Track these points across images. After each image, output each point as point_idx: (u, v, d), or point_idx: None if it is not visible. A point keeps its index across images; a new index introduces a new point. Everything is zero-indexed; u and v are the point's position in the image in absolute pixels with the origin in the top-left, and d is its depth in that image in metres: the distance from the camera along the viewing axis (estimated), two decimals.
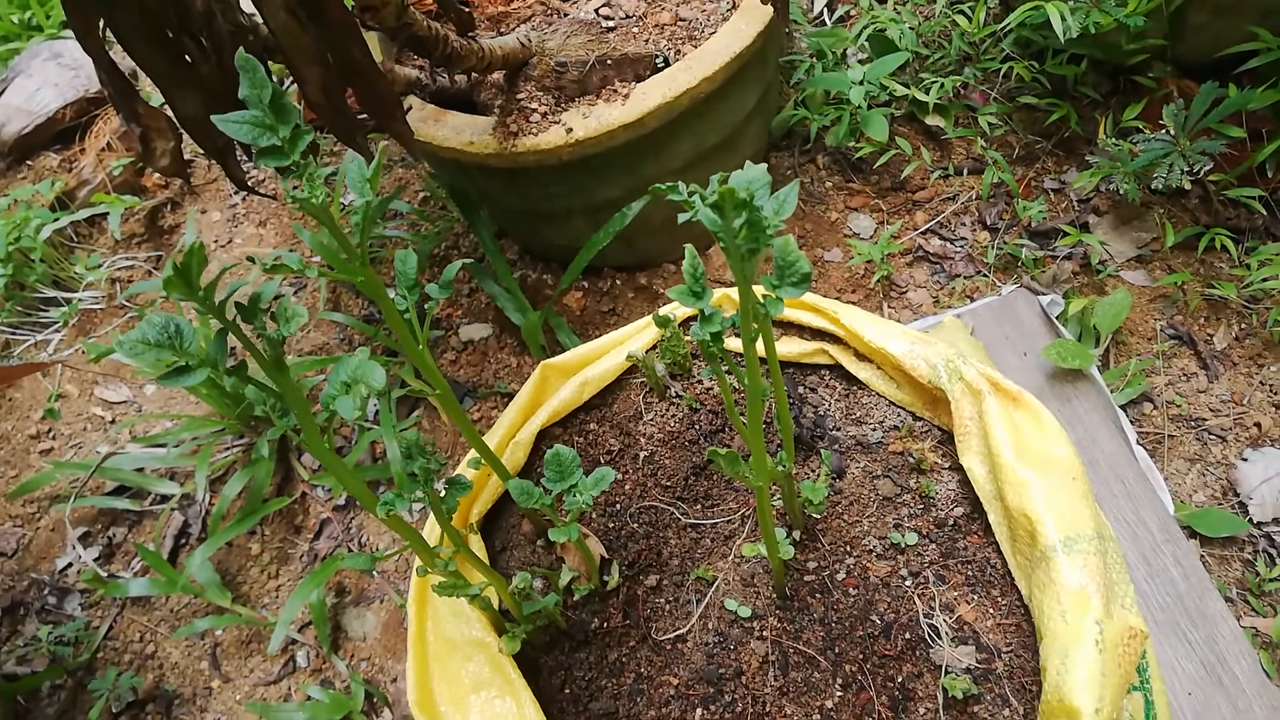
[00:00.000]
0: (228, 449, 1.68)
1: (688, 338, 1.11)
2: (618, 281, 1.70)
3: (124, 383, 1.86)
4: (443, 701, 0.92)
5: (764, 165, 0.58)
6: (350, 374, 0.61)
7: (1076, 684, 0.77)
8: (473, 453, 0.93)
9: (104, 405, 1.84)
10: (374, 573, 1.54)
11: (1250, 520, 1.32)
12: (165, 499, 1.69)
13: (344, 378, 0.61)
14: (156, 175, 2.11)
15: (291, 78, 1.01)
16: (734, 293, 1.11)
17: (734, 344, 1.11)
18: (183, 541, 1.66)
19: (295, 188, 0.60)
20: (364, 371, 0.59)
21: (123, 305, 1.97)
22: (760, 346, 0.70)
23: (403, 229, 1.88)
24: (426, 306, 0.76)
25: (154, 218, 2.11)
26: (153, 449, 1.70)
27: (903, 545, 0.98)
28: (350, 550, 1.57)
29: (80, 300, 1.97)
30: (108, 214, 2.05)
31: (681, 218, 0.61)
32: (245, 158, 1.80)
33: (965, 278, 1.60)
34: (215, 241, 2.03)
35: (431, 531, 0.96)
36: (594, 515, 1.07)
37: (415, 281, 0.77)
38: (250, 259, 0.61)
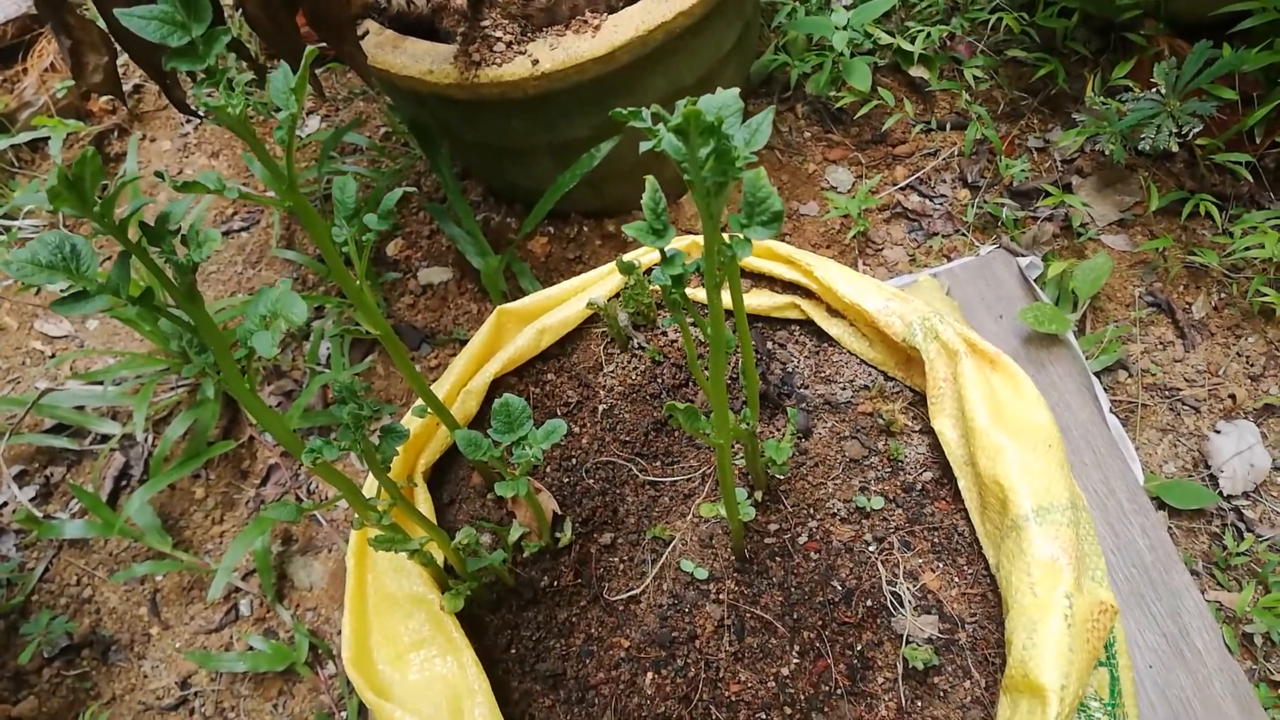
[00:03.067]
0: (172, 389, 1.61)
1: (653, 285, 1.05)
2: (585, 228, 1.63)
3: (65, 317, 1.78)
4: (380, 659, 0.87)
5: (735, 90, 0.53)
6: (269, 307, 0.55)
7: (1043, 659, 0.74)
8: (418, 403, 0.88)
9: (44, 339, 1.75)
10: (322, 520, 1.49)
11: (1220, 493, 1.29)
12: (106, 439, 1.62)
13: (262, 311, 0.55)
14: (103, 99, 2.00)
15: None
16: (701, 239, 1.06)
17: (700, 295, 1.05)
18: (123, 484, 1.60)
19: (209, 95, 0.53)
20: (284, 304, 0.53)
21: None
22: (727, 297, 0.65)
23: (362, 164, 1.80)
24: (365, 239, 0.69)
25: (100, 144, 2.00)
26: (93, 386, 1.63)
27: (868, 509, 0.95)
28: (299, 498, 1.51)
29: (20, 229, 1.87)
30: (49, 139, 1.94)
31: (643, 146, 0.54)
32: (191, 80, 1.70)
33: (944, 236, 1.56)
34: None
35: (374, 482, 0.91)
36: (548, 470, 1.02)
37: (354, 211, 0.71)
38: (159, 174, 0.55)
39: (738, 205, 0.55)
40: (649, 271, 1.06)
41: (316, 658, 1.37)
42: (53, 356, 1.73)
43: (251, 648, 1.38)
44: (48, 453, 1.62)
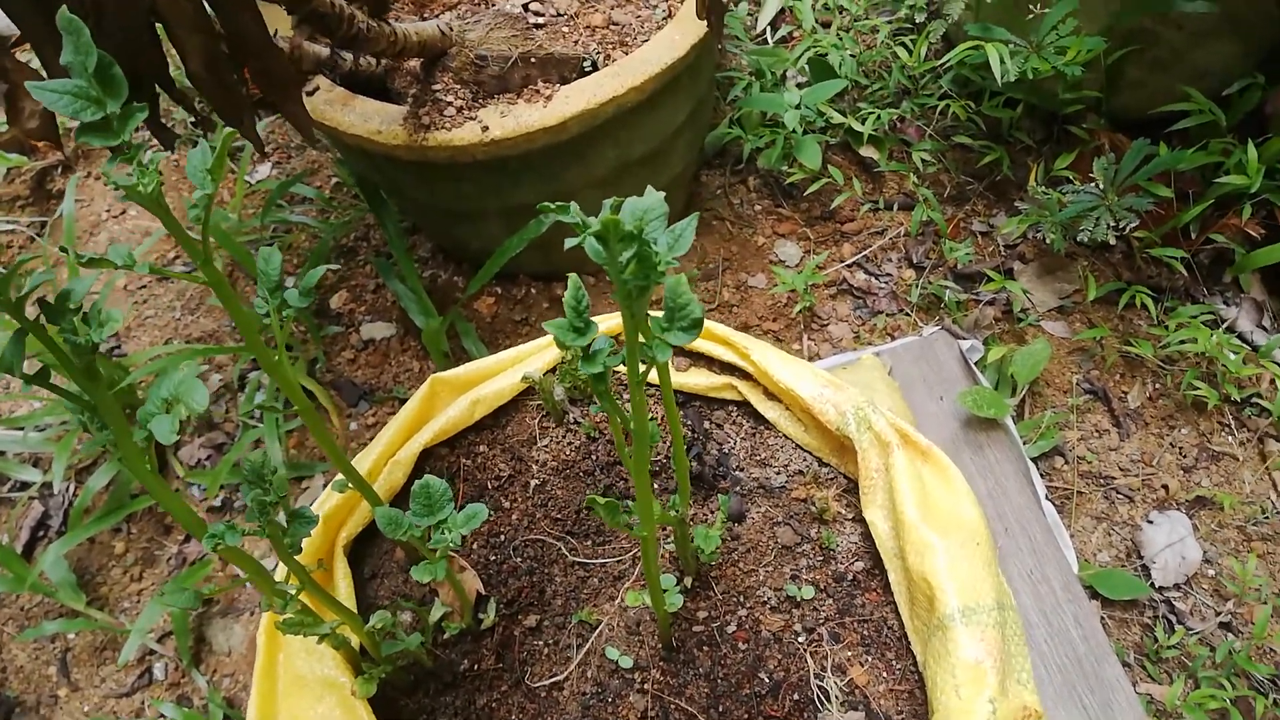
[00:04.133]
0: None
1: None
2: (533, 290, 1.62)
3: None
4: None
5: (661, 195, 0.52)
6: (171, 391, 0.52)
7: None
8: (338, 477, 0.85)
9: None
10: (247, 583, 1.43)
11: (1152, 584, 1.30)
12: (25, 486, 1.56)
13: (164, 395, 0.53)
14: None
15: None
16: None
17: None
18: (40, 534, 1.53)
19: (124, 173, 0.51)
20: (185, 390, 0.51)
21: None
22: (657, 378, 0.64)
23: (310, 214, 1.78)
24: (285, 314, 0.67)
25: (42, 180, 1.96)
26: (14, 431, 1.57)
27: (799, 599, 0.93)
28: (224, 559, 1.46)
29: None
30: None
31: (569, 242, 0.54)
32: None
33: (888, 315, 1.57)
34: (107, 211, 1.90)
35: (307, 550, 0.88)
36: (474, 546, 0.99)
37: (277, 284, 0.69)
38: (63, 249, 0.53)
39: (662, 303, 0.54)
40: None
41: None
42: None
43: (162, 716, 1.32)
44: None
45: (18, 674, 1.42)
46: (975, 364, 1.46)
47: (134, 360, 1.57)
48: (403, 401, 1.55)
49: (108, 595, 1.46)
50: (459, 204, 1.34)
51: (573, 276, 0.58)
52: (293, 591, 0.71)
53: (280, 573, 0.86)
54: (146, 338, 1.71)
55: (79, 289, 0.52)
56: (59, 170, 1.98)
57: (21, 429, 1.54)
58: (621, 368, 0.56)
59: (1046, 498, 1.35)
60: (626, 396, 0.73)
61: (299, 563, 0.69)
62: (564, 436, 1.04)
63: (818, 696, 0.88)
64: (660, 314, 0.56)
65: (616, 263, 0.49)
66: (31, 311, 0.54)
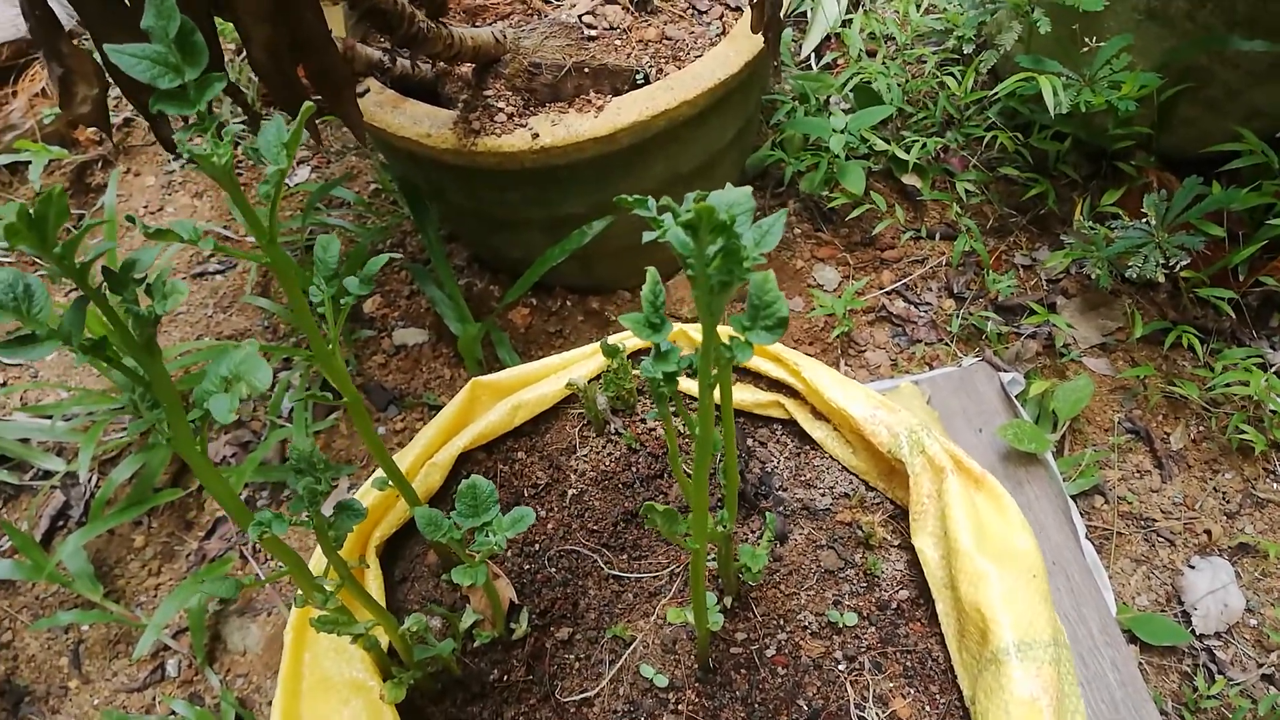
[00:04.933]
0: (123, 429, 1.55)
1: (636, 372, 1.02)
2: (568, 303, 1.61)
3: None
4: None
5: (749, 188, 0.50)
6: (232, 369, 0.51)
7: None
8: (377, 474, 0.84)
9: None
10: (266, 583, 1.41)
11: (1193, 631, 1.26)
12: (48, 475, 1.54)
13: (223, 372, 0.51)
14: (91, 130, 1.97)
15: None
16: (693, 330, 1.03)
17: (685, 385, 1.02)
18: (60, 524, 1.52)
19: (194, 142, 0.50)
20: (247, 367, 0.50)
21: (34, 262, 1.82)
22: (716, 392, 0.62)
23: (348, 219, 1.77)
24: (343, 302, 0.66)
25: (81, 174, 1.97)
26: (41, 420, 1.56)
27: (840, 625, 0.90)
28: (244, 556, 1.45)
29: None
30: (30, 163, 1.90)
31: (647, 236, 0.52)
32: (182, 120, 1.68)
33: (926, 344, 1.55)
34: (144, 208, 1.90)
35: (322, 555, 0.86)
36: (509, 554, 0.97)
37: (334, 272, 0.68)
38: (130, 219, 0.53)
39: (739, 306, 0.52)
40: (633, 356, 1.03)
41: None
42: (3, 385, 1.67)
43: (173, 713, 1.29)
44: None
45: (29, 663, 1.40)
46: (1016, 397, 1.43)
47: (165, 355, 1.56)
48: (434, 408, 1.54)
49: (124, 589, 1.44)
50: (503, 212, 1.33)
51: (651, 270, 0.56)
52: (331, 588, 0.68)
53: (317, 566, 0.84)
54: (178, 333, 1.71)
55: (145, 258, 0.51)
56: (99, 165, 1.99)
57: (49, 417, 1.53)
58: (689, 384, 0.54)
59: (1086, 537, 1.32)
60: (683, 406, 0.71)
61: (341, 558, 0.67)
62: (604, 447, 1.02)
63: None
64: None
65: (704, 255, 0.47)
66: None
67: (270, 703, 1.31)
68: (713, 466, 0.99)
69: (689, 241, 0.47)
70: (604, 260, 1.45)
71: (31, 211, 0.42)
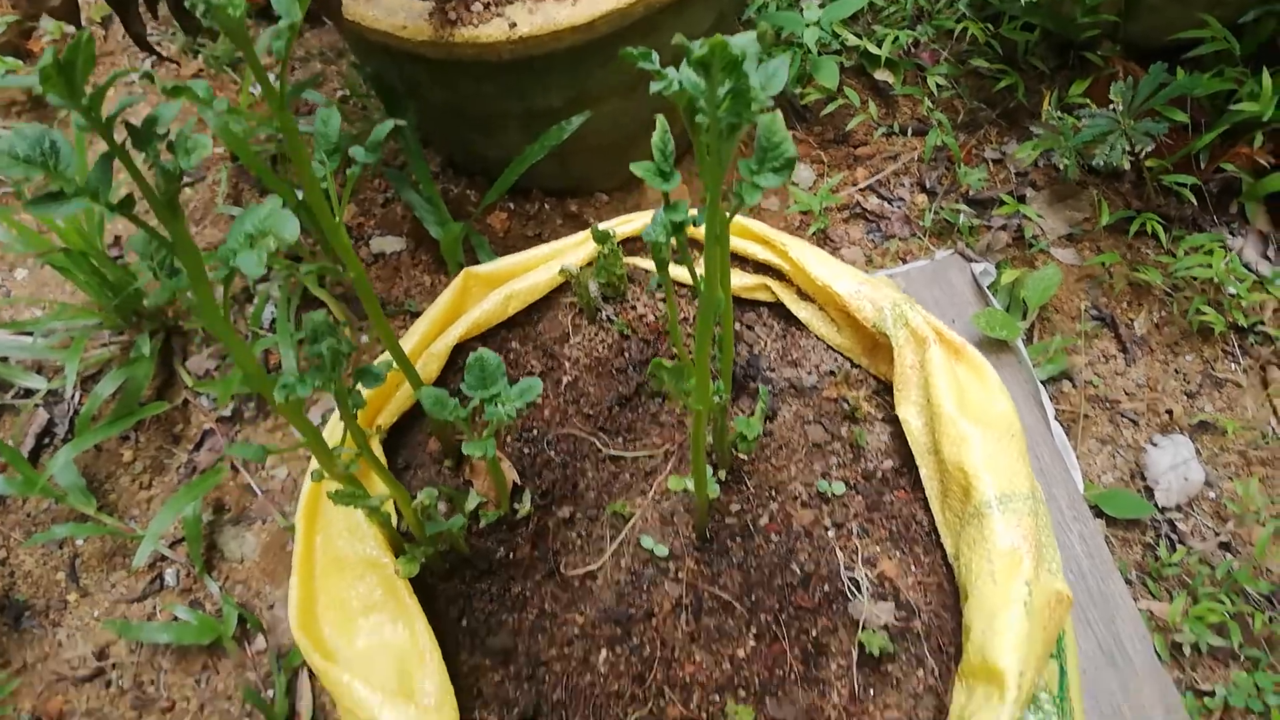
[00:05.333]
0: (104, 345, 1.54)
1: (626, 259, 1.04)
2: (546, 205, 1.61)
3: None
4: (327, 623, 0.84)
5: (754, 34, 0.51)
6: (257, 224, 0.52)
7: (1003, 646, 0.74)
8: (383, 357, 0.85)
9: None
10: (257, 490, 1.43)
11: (1155, 505, 1.33)
12: (30, 393, 1.54)
13: (249, 229, 0.52)
14: (45, 39, 1.90)
15: None
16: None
17: (674, 273, 1.04)
18: (46, 441, 1.52)
19: None
20: (274, 221, 0.51)
21: None
22: (689, 278, 0.64)
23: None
24: (350, 172, 0.67)
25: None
26: (19, 337, 1.54)
27: (829, 494, 0.94)
28: (235, 468, 1.46)
29: None
30: None
31: (654, 87, 0.53)
32: (150, 15, 1.63)
33: (900, 239, 1.58)
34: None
35: (331, 434, 0.87)
36: (508, 440, 0.99)
37: (336, 146, 0.68)
38: (148, 75, 0.52)
39: (734, 173, 0.54)
40: (622, 243, 1.04)
41: (245, 632, 1.32)
42: None
43: (176, 619, 1.32)
44: None
45: (26, 579, 1.41)
46: (987, 287, 1.47)
47: (140, 267, 1.55)
48: (415, 315, 1.54)
49: (116, 503, 1.45)
50: (480, 107, 1.32)
51: (660, 118, 0.57)
52: (348, 456, 0.70)
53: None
54: None
55: (165, 114, 0.51)
56: None
57: (28, 334, 1.52)
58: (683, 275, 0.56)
59: (1055, 419, 1.37)
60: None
61: (358, 425, 0.69)
62: (596, 334, 1.04)
63: (848, 587, 0.89)
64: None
65: (714, 96, 0.48)
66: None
67: (270, 607, 1.35)
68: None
69: (700, 82, 0.49)
70: (582, 158, 1.45)
71: (61, 57, 0.43)
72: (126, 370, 1.45)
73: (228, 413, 1.50)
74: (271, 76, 0.55)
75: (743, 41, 0.50)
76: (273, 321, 1.54)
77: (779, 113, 0.51)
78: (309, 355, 0.65)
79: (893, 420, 0.98)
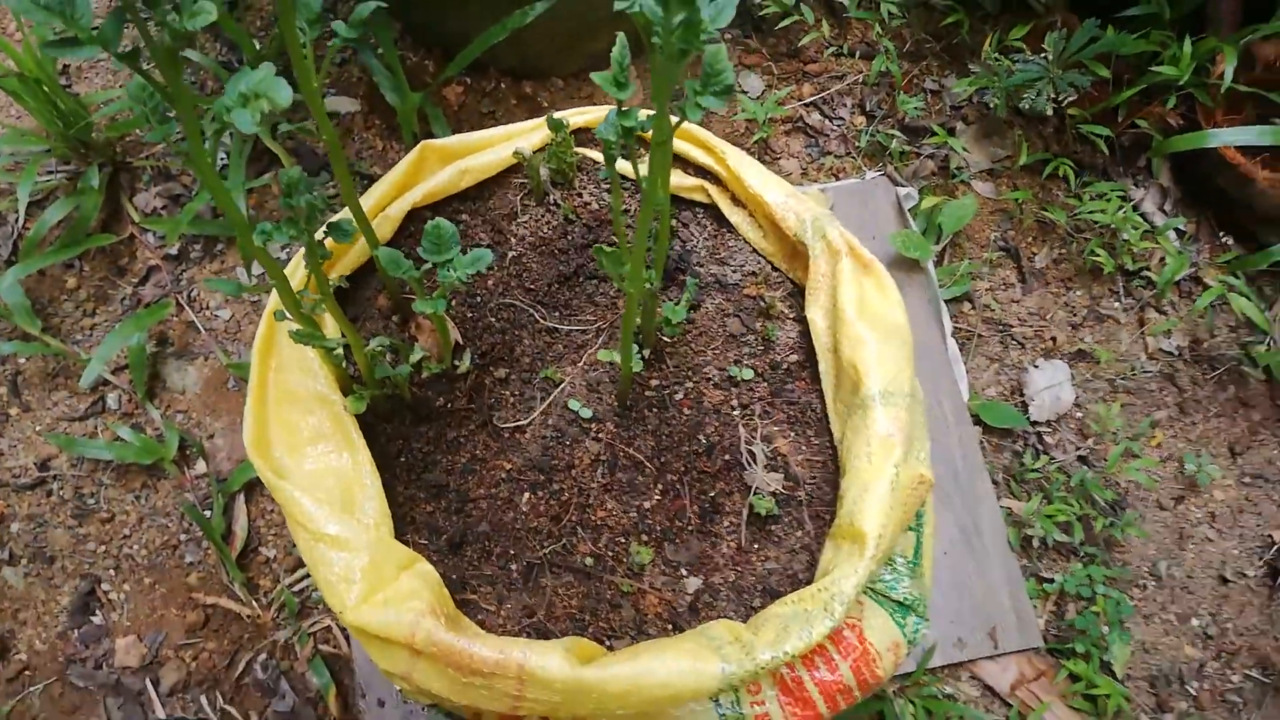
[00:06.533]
0: (51, 173, 1.55)
1: (577, 149, 1.12)
2: (502, 85, 1.65)
3: None
4: (278, 448, 0.93)
5: None
6: (252, 86, 0.59)
7: (867, 511, 0.88)
8: (343, 213, 0.92)
9: None
10: (201, 328, 1.49)
11: (1029, 418, 1.49)
12: None
13: (244, 89, 0.59)
14: None
15: None
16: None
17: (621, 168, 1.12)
18: None
19: None
20: (267, 85, 0.58)
21: None
22: (633, 171, 0.73)
23: None
24: (331, 44, 0.73)
25: None
26: None
27: (738, 379, 1.06)
28: (180, 304, 1.51)
29: None
30: None
31: (617, 5, 0.61)
32: None
33: (836, 156, 1.67)
34: None
35: (291, 278, 0.95)
36: (454, 304, 1.08)
37: (318, 16, 0.74)
38: None
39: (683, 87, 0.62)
40: (575, 133, 1.12)
41: (185, 457, 1.40)
42: None
43: (119, 438, 1.40)
44: None
45: None
46: (909, 210, 1.58)
47: (91, 100, 1.55)
48: (365, 178, 1.59)
49: (60, 326, 1.50)
50: None
51: (620, 35, 0.65)
52: (311, 299, 0.79)
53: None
54: (99, 80, 1.68)
55: None
56: None
57: None
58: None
59: (951, 335, 1.51)
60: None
61: (324, 273, 0.77)
62: (543, 216, 1.12)
63: (745, 458, 1.02)
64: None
65: (670, 24, 0.57)
66: None
67: (210, 437, 1.43)
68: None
69: (659, 10, 0.57)
70: (541, 42, 1.50)
71: None
72: (74, 199, 1.48)
73: (174, 251, 1.54)
74: None
75: None
76: (225, 168, 1.57)
77: (723, 45, 0.59)
78: (283, 206, 0.72)
79: (802, 320, 1.09)
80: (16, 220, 1.55)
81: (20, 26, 1.41)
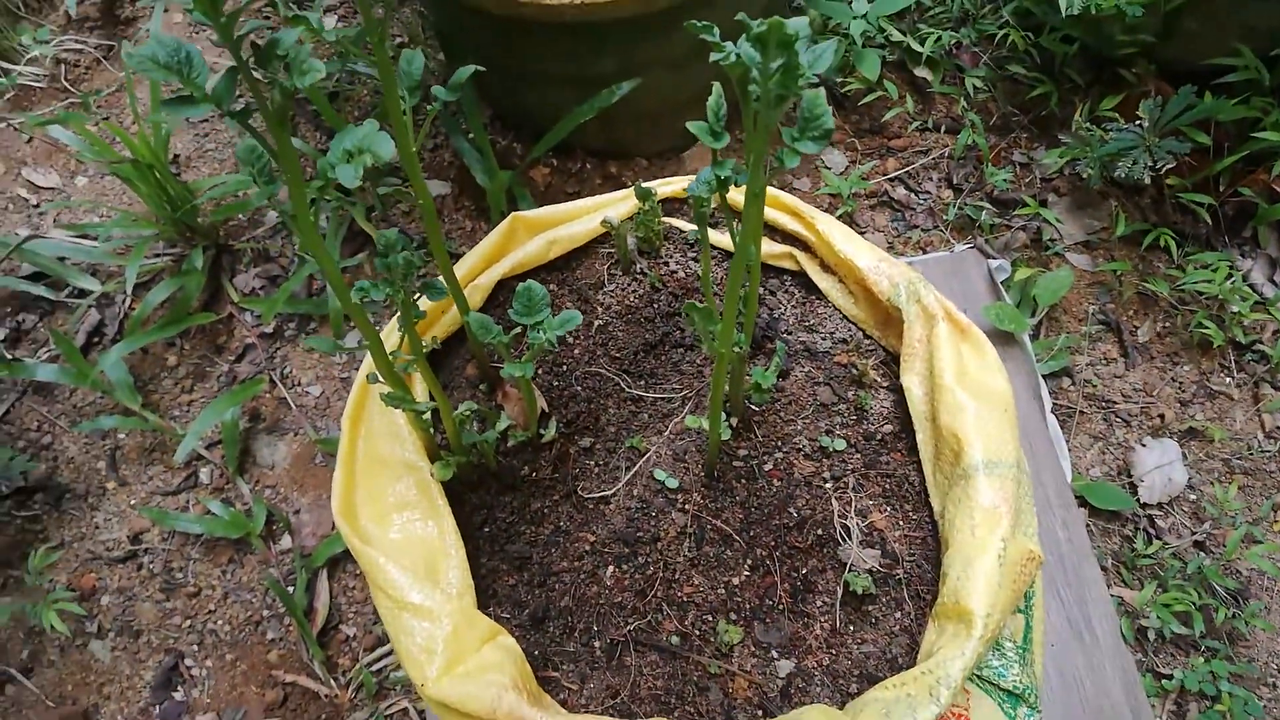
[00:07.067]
0: (157, 255, 1.62)
1: (664, 218, 1.12)
2: (588, 165, 1.68)
3: (54, 169, 1.77)
4: (364, 516, 0.92)
5: (806, 19, 0.59)
6: (356, 142, 0.59)
7: (974, 589, 0.82)
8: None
9: (30, 188, 1.75)
10: (292, 404, 1.52)
11: (1138, 500, 1.41)
12: (83, 294, 1.63)
13: (348, 145, 0.60)
14: None
15: None
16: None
17: (713, 239, 1.11)
18: (95, 340, 1.61)
19: None
20: (371, 140, 0.58)
21: (65, 88, 1.86)
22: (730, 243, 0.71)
23: (373, 69, 1.82)
24: (430, 108, 0.74)
25: (112, 4, 1.99)
26: (79, 240, 1.63)
27: (830, 450, 1.02)
28: (273, 381, 1.54)
29: (20, 74, 1.85)
30: None
31: (714, 56, 0.60)
32: None
33: (923, 230, 1.64)
34: (189, 39, 1.93)
35: (386, 340, 0.95)
36: (540, 373, 1.07)
37: (418, 83, 0.76)
38: (275, 3, 0.57)
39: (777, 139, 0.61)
40: (661, 202, 1.12)
41: (271, 532, 1.41)
42: (37, 206, 1.73)
43: (209, 512, 1.42)
44: (22, 298, 1.63)
45: (68, 464, 1.51)
46: (1001, 283, 1.54)
47: (198, 186, 1.63)
48: (455, 257, 1.62)
49: (158, 403, 1.54)
50: (537, 64, 1.40)
51: (716, 85, 0.65)
52: (403, 360, 0.79)
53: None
54: (206, 169, 1.77)
55: (287, 39, 0.59)
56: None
57: (87, 237, 1.60)
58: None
59: (1051, 412, 1.45)
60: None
61: (416, 333, 0.77)
62: (629, 285, 1.12)
63: (839, 534, 0.97)
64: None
65: (767, 69, 0.56)
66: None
67: (297, 512, 1.44)
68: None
69: (756, 56, 0.56)
70: (626, 123, 1.52)
71: None
72: (179, 280, 1.54)
73: (269, 329, 1.59)
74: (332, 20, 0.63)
75: (796, 24, 0.58)
76: None
77: (822, 90, 0.58)
78: (380, 268, 0.73)
79: (896, 389, 1.05)
80: (124, 300, 1.62)
81: (136, 119, 1.50)
